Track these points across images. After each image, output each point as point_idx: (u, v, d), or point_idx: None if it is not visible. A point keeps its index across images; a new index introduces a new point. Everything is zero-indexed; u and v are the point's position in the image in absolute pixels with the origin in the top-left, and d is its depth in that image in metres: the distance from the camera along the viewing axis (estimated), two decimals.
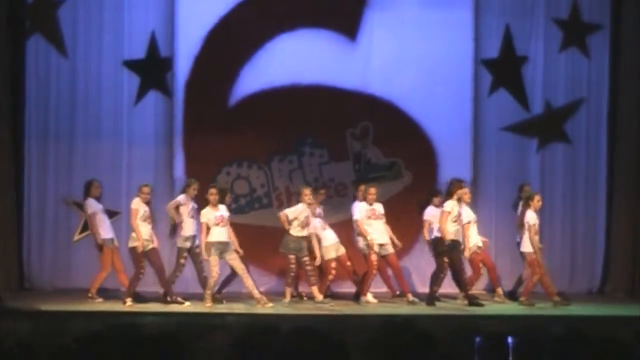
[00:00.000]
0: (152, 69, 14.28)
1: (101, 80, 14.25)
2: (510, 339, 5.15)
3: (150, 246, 12.50)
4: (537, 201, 12.74)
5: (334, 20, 14.34)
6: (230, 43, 14.23)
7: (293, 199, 13.76)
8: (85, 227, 14.08)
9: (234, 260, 12.38)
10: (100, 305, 12.33)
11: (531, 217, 12.65)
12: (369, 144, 14.45)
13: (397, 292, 13.15)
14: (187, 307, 12.26)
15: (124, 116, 14.25)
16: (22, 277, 14.05)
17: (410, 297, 12.79)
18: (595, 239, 14.60)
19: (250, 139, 14.15)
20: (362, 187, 13.07)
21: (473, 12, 14.43)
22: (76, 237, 14.15)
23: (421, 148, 14.41)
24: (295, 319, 10.86)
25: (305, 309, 12.28)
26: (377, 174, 14.27)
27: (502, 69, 14.57)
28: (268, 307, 12.14)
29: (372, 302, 12.85)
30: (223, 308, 12.16)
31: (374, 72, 14.36)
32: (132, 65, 14.24)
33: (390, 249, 12.92)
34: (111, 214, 13.99)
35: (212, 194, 12.46)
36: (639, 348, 5.27)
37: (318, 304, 12.45)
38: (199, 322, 9.91)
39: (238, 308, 12.10)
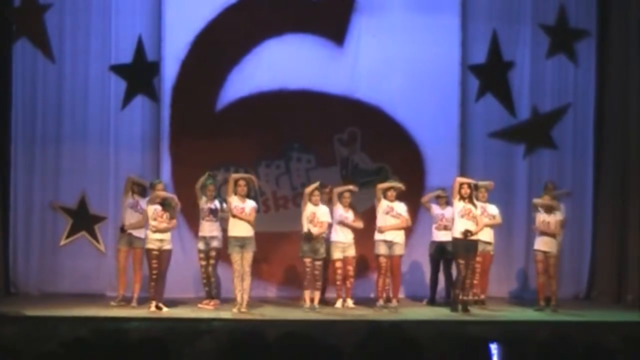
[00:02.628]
0: (139, 73, 14.25)
1: (88, 84, 14.22)
2: (495, 345, 5.15)
3: (165, 247, 12.35)
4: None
5: (321, 25, 14.35)
6: (217, 48, 14.23)
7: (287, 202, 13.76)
8: (71, 232, 14.08)
9: (247, 259, 12.28)
10: (86, 310, 12.25)
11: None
12: (356, 149, 14.46)
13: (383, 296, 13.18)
14: (166, 312, 12.18)
15: (111, 120, 14.22)
16: (8, 281, 13.99)
17: (394, 303, 12.78)
18: (582, 245, 14.63)
19: (237, 144, 14.14)
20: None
21: (460, 17, 14.46)
22: (62, 242, 14.10)
23: (408, 153, 14.42)
24: (281, 324, 10.83)
25: (292, 314, 12.26)
26: (365, 179, 14.25)
27: (489, 75, 14.61)
28: (241, 312, 12.06)
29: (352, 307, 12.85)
30: (210, 313, 12.12)
31: (361, 78, 14.37)
32: (119, 69, 14.21)
33: (397, 251, 12.87)
34: (98, 218, 14.00)
35: (241, 185, 12.47)
36: (624, 353, 5.28)
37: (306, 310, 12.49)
38: (186, 328, 9.89)
39: (225, 314, 12.06)
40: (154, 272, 12.26)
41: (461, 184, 12.57)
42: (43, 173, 14.15)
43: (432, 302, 13.30)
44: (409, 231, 13.28)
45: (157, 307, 12.21)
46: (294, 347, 4.74)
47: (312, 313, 12.34)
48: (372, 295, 13.28)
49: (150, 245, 12.26)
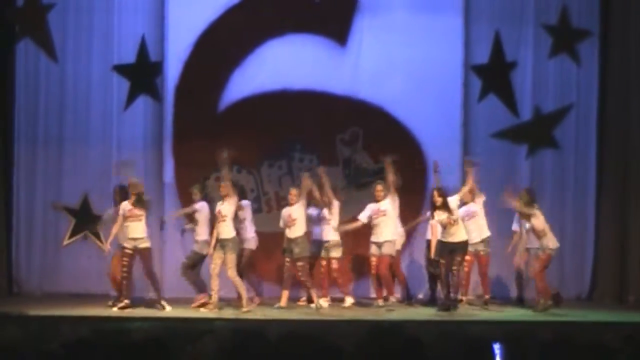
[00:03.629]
0: (142, 73, 14.26)
1: (91, 84, 14.24)
2: (497, 345, 5.15)
3: (140, 246, 12.31)
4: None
5: (324, 25, 14.35)
6: (220, 48, 14.23)
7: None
8: (74, 232, 14.08)
9: (227, 261, 12.27)
10: (88, 310, 12.24)
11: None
12: (358, 149, 14.46)
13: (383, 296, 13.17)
14: (168, 312, 12.18)
15: (114, 121, 14.24)
16: (11, 281, 14.01)
17: (388, 301, 12.76)
18: (584, 245, 14.62)
19: (239, 144, 14.06)
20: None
21: (463, 18, 14.46)
22: (65, 241, 14.12)
23: (411, 153, 14.39)
24: (283, 324, 10.83)
25: (294, 314, 12.26)
26: (367, 179, 14.26)
27: (492, 75, 14.60)
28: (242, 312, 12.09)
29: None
30: (211, 313, 12.12)
31: (364, 78, 14.37)
32: (122, 69, 14.22)
33: (386, 250, 12.73)
34: (100, 219, 14.00)
35: (221, 186, 12.51)
36: (627, 354, 5.27)
37: (308, 309, 12.48)
38: (187, 327, 9.89)
39: (227, 313, 12.06)
40: (124, 269, 12.23)
41: (432, 193, 12.50)
42: (46, 173, 14.17)
43: (431, 300, 13.26)
44: (410, 230, 13.32)
45: (122, 307, 12.17)
46: (296, 346, 4.73)
47: (314, 313, 12.33)
48: (372, 295, 13.32)
49: (124, 244, 12.26)
